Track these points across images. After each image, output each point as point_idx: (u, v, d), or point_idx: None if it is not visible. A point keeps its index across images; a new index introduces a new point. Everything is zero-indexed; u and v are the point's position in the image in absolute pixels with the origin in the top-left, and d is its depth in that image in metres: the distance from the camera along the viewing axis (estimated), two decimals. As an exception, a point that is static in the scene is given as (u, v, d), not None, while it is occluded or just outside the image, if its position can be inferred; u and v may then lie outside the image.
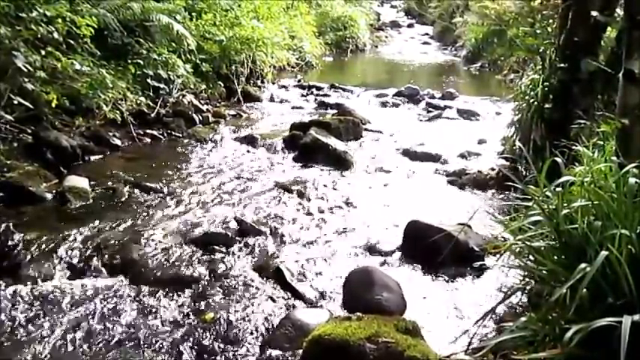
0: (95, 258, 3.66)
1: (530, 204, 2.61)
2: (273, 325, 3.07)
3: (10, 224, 3.92)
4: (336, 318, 2.85)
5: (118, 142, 5.97)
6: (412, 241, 4.00)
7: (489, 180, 5.42)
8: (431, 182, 5.60)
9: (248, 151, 6.27)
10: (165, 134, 6.54)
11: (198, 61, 7.80)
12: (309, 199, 4.90)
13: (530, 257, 2.41)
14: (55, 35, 5.16)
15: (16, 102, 4.92)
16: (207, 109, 7.52)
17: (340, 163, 5.89)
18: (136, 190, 4.84)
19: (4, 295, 3.20)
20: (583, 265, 1.91)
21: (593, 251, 2.01)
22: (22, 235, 3.83)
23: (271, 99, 8.98)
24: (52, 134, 5.31)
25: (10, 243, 3.73)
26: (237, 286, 3.49)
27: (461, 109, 8.60)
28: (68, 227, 4.04)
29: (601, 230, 2.08)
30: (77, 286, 3.39)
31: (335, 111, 7.79)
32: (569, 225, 2.22)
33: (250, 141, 6.53)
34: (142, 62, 6.65)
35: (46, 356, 2.77)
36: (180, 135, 6.61)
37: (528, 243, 2.35)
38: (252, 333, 3.02)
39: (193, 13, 8.44)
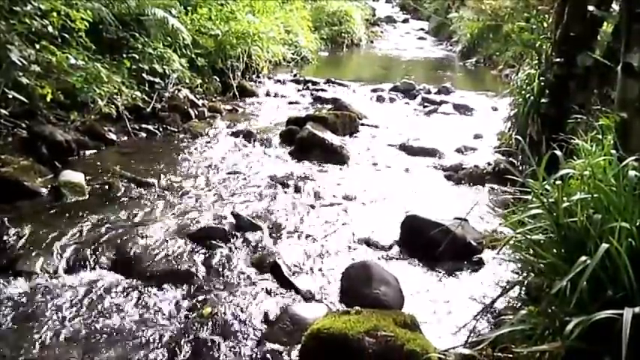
0: (91, 253, 3.64)
1: (528, 198, 2.61)
2: (271, 319, 3.07)
3: (5, 219, 3.90)
4: (335, 312, 2.86)
5: (113, 136, 5.93)
6: (410, 235, 4.00)
7: (486, 175, 5.43)
8: (428, 177, 5.61)
9: (244, 146, 6.25)
10: (161, 129, 6.50)
11: (193, 56, 7.76)
12: (305, 194, 4.89)
13: (530, 250, 2.41)
14: (50, 29, 5.11)
15: (10, 96, 4.88)
16: (202, 104, 7.48)
17: (337, 157, 5.88)
18: (132, 185, 4.81)
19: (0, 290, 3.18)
20: (583, 258, 1.91)
21: (592, 244, 2.01)
22: (17, 230, 3.81)
23: (267, 94, 8.96)
24: (46, 129, 5.27)
25: (5, 238, 3.71)
26: (234, 280, 3.48)
27: (457, 104, 8.61)
28: (64, 222, 4.01)
29: (601, 223, 2.07)
30: (73, 281, 3.37)
31: (331, 106, 7.78)
32: (568, 218, 2.22)
33: (246, 136, 6.51)
34: (137, 56, 6.61)
35: (41, 351, 2.75)
36: (176, 130, 6.58)
37: (528, 236, 2.35)
38: (250, 327, 3.01)
39: (188, 7, 8.39)
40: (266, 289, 3.40)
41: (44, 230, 3.85)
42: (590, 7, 4.67)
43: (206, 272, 3.56)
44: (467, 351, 2.43)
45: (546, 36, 5.55)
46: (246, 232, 4.07)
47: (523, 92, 5.53)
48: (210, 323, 3.01)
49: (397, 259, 3.85)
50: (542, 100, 5.15)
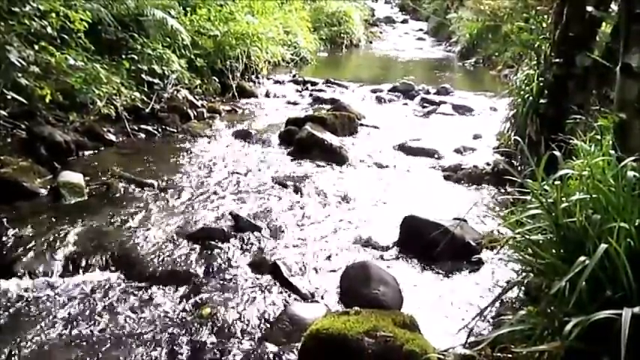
0: (90, 254, 3.63)
1: (527, 198, 2.61)
2: (270, 319, 3.07)
3: (5, 220, 3.91)
4: (334, 312, 2.86)
5: (112, 137, 5.93)
6: (408, 235, 4.00)
7: (485, 175, 5.43)
8: (427, 177, 5.61)
9: (243, 147, 6.26)
10: (160, 129, 6.51)
11: (192, 57, 7.76)
12: (305, 195, 4.89)
13: (529, 251, 2.41)
14: (49, 30, 5.11)
15: (9, 97, 4.88)
16: (202, 105, 7.48)
17: (336, 158, 5.88)
18: (131, 186, 4.81)
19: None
20: (582, 258, 1.91)
21: (591, 244, 2.01)
22: (16, 230, 3.82)
23: (266, 94, 8.97)
24: (45, 129, 5.27)
25: (4, 239, 3.71)
26: (234, 281, 3.48)
27: (456, 104, 8.60)
28: (63, 223, 4.01)
29: (600, 223, 2.08)
30: (72, 281, 3.38)
31: (330, 106, 7.78)
32: (567, 218, 2.22)
33: (245, 136, 6.52)
34: (136, 57, 6.61)
35: (40, 352, 2.75)
36: (175, 130, 6.59)
37: (527, 236, 2.35)
38: (249, 328, 3.01)
39: (188, 8, 8.40)
40: (265, 289, 3.40)
41: (43, 231, 3.86)
42: (589, 8, 4.67)
43: (205, 273, 3.56)
44: (466, 351, 2.43)
45: (545, 36, 5.55)
46: (245, 232, 4.07)
47: (522, 93, 5.53)
48: (209, 324, 3.02)
49: (396, 259, 3.85)
50: (541, 101, 5.15)
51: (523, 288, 2.53)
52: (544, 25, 6.05)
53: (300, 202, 4.71)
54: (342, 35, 14.96)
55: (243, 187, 5.02)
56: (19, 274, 3.36)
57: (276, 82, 9.92)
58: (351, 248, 3.97)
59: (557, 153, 2.64)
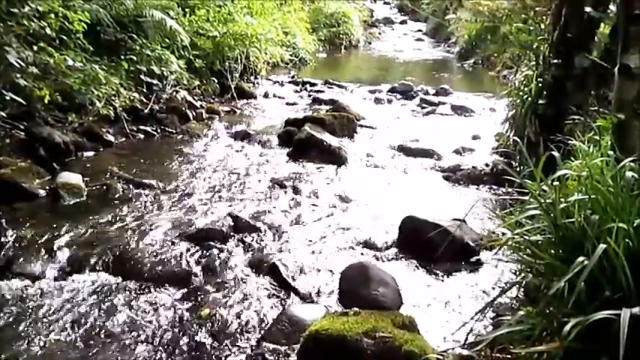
0: (89, 255, 3.63)
1: (526, 198, 2.61)
2: (269, 320, 3.07)
3: (3, 221, 3.90)
4: (333, 313, 2.86)
5: (111, 138, 5.93)
6: (408, 236, 4.01)
7: (484, 175, 5.44)
8: (426, 178, 5.61)
9: (242, 147, 6.25)
10: (159, 130, 6.50)
11: (191, 57, 7.75)
12: (304, 195, 4.89)
13: (528, 251, 2.41)
14: (48, 31, 5.10)
15: (8, 98, 4.87)
16: (200, 105, 7.48)
17: (335, 158, 5.88)
18: (130, 187, 4.81)
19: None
20: (581, 259, 1.92)
21: (590, 245, 2.02)
22: (15, 231, 3.81)
23: (265, 95, 8.97)
24: (44, 130, 5.26)
25: (2, 239, 3.71)
26: (232, 282, 3.48)
27: (455, 105, 8.61)
28: (62, 224, 4.01)
29: (598, 224, 2.08)
30: (71, 283, 3.37)
31: (329, 107, 7.78)
32: (566, 219, 2.22)
33: (244, 137, 6.52)
34: (135, 58, 6.60)
35: (39, 354, 2.74)
36: (174, 131, 6.58)
37: (526, 237, 2.35)
38: (248, 329, 3.01)
39: (186, 9, 8.40)
40: (264, 290, 3.40)
41: (42, 232, 3.85)
42: (588, 9, 4.68)
43: (204, 274, 3.56)
44: (465, 352, 2.44)
45: (544, 37, 5.56)
46: (244, 233, 4.07)
47: (521, 93, 5.54)
48: (208, 325, 3.02)
49: (395, 259, 3.85)
50: (540, 101, 5.16)
51: (522, 288, 2.53)
52: (542, 26, 6.06)
53: (299, 203, 4.71)
54: (341, 36, 14.95)
55: (242, 187, 5.02)
56: (18, 275, 3.36)
57: (275, 82, 9.93)
58: (350, 249, 3.97)
59: (555, 153, 2.65)
